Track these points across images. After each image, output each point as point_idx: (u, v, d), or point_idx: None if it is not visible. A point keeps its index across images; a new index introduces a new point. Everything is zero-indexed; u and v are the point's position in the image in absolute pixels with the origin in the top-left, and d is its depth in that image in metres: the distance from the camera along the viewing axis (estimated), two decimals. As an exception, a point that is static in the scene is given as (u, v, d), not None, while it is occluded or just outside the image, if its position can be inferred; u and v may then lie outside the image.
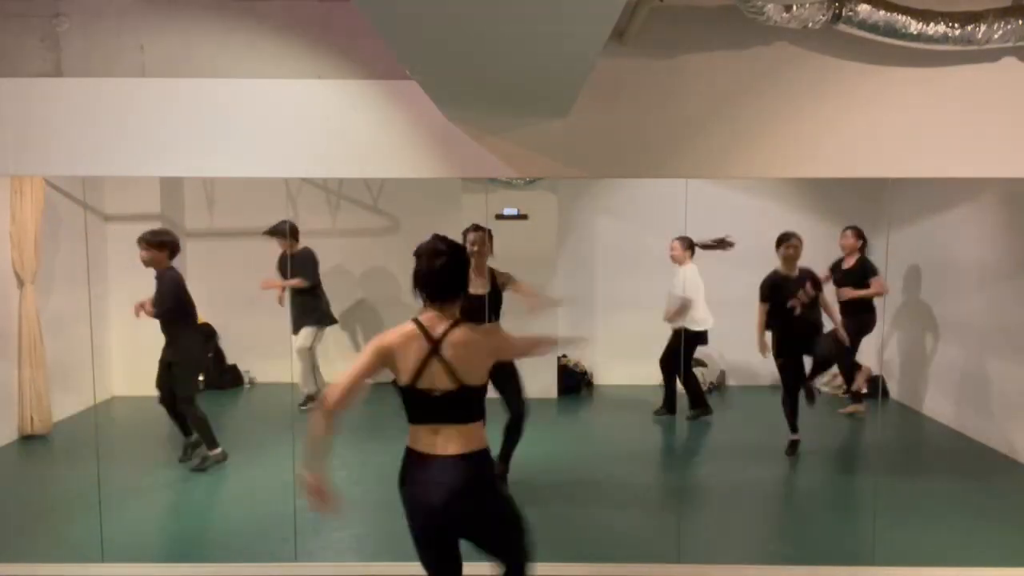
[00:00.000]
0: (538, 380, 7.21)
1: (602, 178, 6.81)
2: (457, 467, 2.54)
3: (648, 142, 3.67)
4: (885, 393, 7.00)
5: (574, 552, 4.08)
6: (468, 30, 2.43)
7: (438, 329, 2.54)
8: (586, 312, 7.36)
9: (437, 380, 2.52)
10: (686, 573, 3.88)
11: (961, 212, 6.24)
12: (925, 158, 3.65)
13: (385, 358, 2.54)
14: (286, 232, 6.13)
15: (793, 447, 5.59)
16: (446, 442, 2.55)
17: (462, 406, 2.56)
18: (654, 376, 6.89)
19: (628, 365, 6.78)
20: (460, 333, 2.54)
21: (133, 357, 6.57)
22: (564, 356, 7.52)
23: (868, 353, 7.09)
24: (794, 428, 5.61)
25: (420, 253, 2.59)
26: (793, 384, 5.62)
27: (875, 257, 6.02)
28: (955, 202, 6.29)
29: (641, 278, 6.52)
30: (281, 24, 3.66)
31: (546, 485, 5.09)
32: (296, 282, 6.06)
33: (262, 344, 7.07)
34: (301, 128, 3.70)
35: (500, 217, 7.20)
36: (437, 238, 2.64)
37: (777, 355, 5.63)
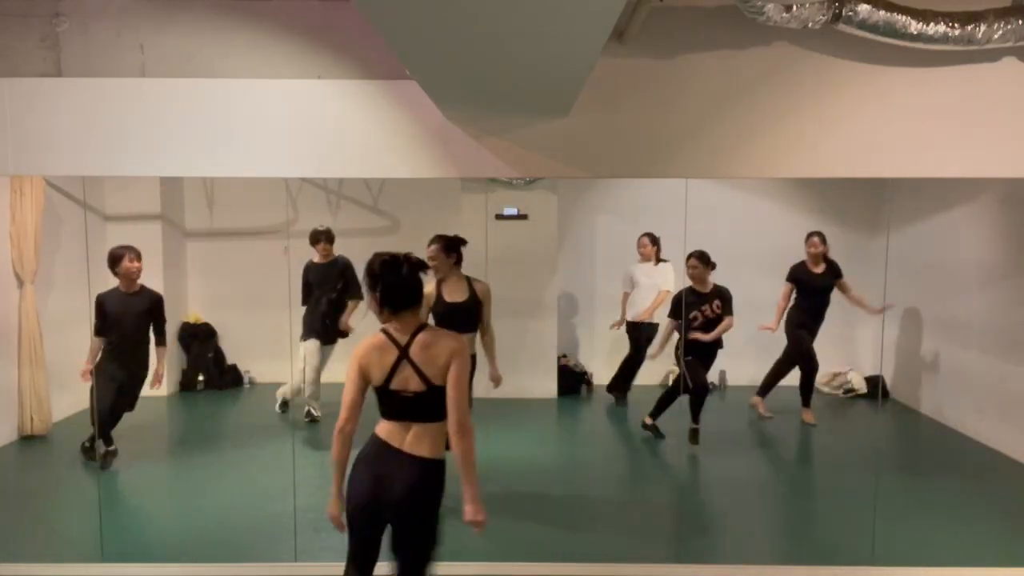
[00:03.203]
0: (538, 380, 7.24)
1: (602, 178, 6.81)
2: (420, 468, 2.70)
3: (648, 142, 3.67)
4: (885, 393, 7.01)
5: (574, 552, 4.08)
6: (468, 30, 2.43)
7: (404, 335, 2.71)
8: (586, 312, 7.37)
9: (409, 382, 2.69)
10: (686, 573, 3.88)
11: (961, 212, 6.24)
12: (925, 158, 3.65)
13: (362, 369, 2.73)
14: (333, 237, 6.15)
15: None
16: (414, 440, 2.72)
17: (431, 406, 2.71)
18: (654, 376, 6.91)
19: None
20: (424, 336, 2.71)
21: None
22: (564, 356, 7.53)
23: (868, 353, 7.12)
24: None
25: (372, 272, 2.70)
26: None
27: (875, 257, 6.02)
28: (955, 202, 6.30)
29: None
30: (281, 24, 3.66)
31: (546, 485, 5.09)
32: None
33: (262, 344, 7.08)
34: (301, 128, 3.70)
35: (500, 217, 7.21)
36: (381, 256, 2.73)
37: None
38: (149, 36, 3.67)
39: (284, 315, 5.83)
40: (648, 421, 5.93)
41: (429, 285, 4.44)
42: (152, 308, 5.10)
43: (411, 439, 2.71)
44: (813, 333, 6.14)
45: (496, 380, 4.74)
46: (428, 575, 2.83)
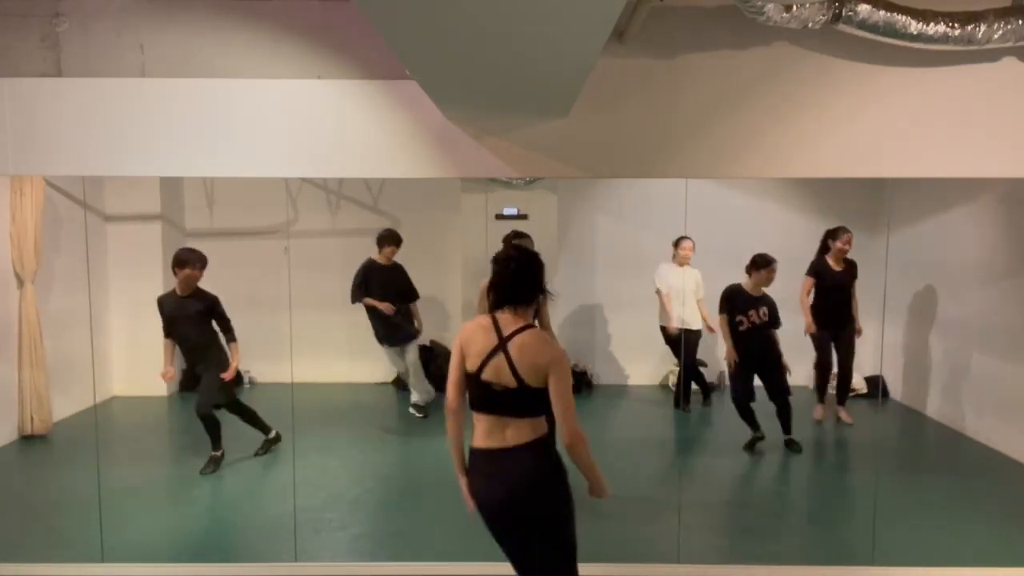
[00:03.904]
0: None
1: (602, 178, 6.81)
2: (528, 452, 2.62)
3: (648, 142, 3.67)
4: (885, 393, 7.01)
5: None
6: (468, 30, 2.43)
7: (509, 328, 2.65)
8: (586, 312, 7.36)
9: (501, 375, 2.61)
10: (686, 573, 3.88)
11: (961, 212, 6.24)
12: (925, 158, 3.65)
13: (462, 347, 2.70)
14: (400, 241, 6.19)
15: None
16: (512, 435, 2.63)
17: (523, 402, 2.62)
18: (654, 376, 6.89)
19: (628, 365, 6.78)
20: (526, 337, 2.62)
21: (133, 357, 6.58)
22: (564, 356, 7.52)
23: (868, 353, 7.11)
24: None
25: (496, 259, 2.77)
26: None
27: (875, 257, 6.02)
28: (955, 202, 6.29)
29: (641, 278, 6.52)
30: (281, 24, 3.66)
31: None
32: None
33: (262, 344, 7.08)
34: (301, 128, 3.70)
35: (500, 217, 7.20)
36: (512, 246, 2.82)
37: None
38: (149, 36, 3.67)
39: (284, 315, 5.83)
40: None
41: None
42: (211, 308, 5.28)
43: (509, 434, 2.63)
44: (835, 335, 6.11)
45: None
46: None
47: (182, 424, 6.71)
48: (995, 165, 3.66)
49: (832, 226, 6.17)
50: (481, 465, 2.69)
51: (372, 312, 6.15)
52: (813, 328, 6.06)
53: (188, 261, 5.06)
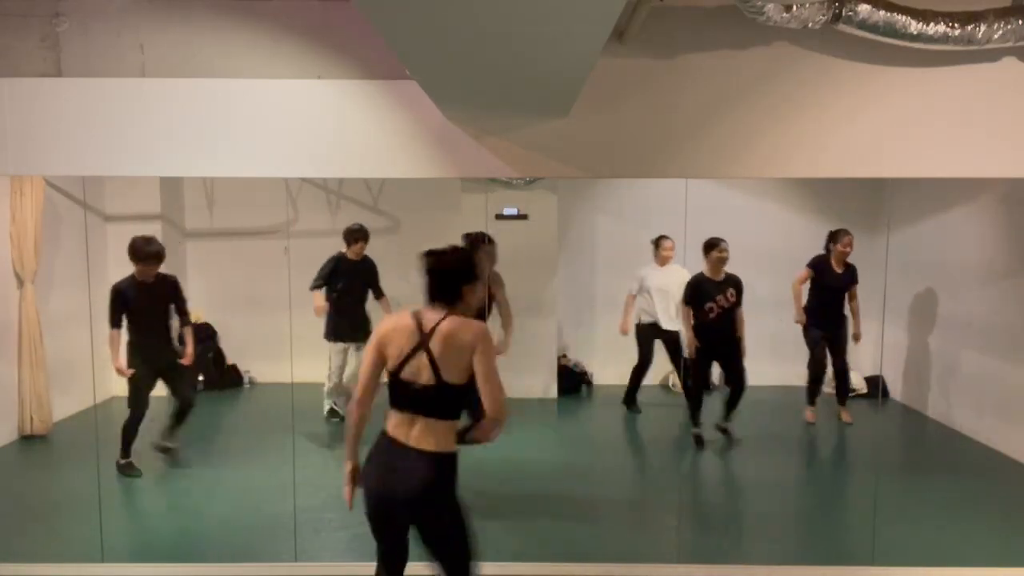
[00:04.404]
0: (538, 380, 7.24)
1: (602, 178, 6.81)
2: (427, 463, 2.61)
3: (648, 142, 3.67)
4: (885, 393, 7.01)
5: (574, 551, 4.08)
6: (468, 30, 2.43)
7: (430, 323, 2.64)
8: (586, 312, 7.37)
9: (421, 373, 2.61)
10: (686, 573, 3.88)
11: (961, 212, 6.24)
12: (925, 158, 3.64)
13: (380, 346, 2.68)
14: (368, 236, 6.12)
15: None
16: (420, 435, 2.63)
17: (440, 402, 2.63)
18: (654, 376, 6.89)
19: (628, 365, 6.77)
20: (448, 323, 2.62)
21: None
22: (564, 356, 7.53)
23: (868, 353, 7.11)
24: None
25: (427, 254, 2.73)
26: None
27: (875, 257, 6.02)
28: (955, 202, 6.30)
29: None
30: (281, 24, 3.66)
31: (546, 485, 5.09)
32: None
33: (262, 344, 7.08)
34: (301, 128, 3.70)
35: (500, 217, 7.21)
36: (451, 246, 2.82)
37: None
38: (149, 36, 3.67)
39: (284, 315, 5.82)
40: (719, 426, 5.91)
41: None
42: (175, 291, 5.14)
43: (416, 434, 2.63)
44: (829, 336, 6.11)
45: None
46: (473, 574, 2.76)
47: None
48: (995, 165, 3.66)
49: (833, 226, 6.17)
50: (384, 452, 2.68)
51: (334, 306, 6.07)
52: (803, 318, 6.08)
53: (151, 251, 4.91)
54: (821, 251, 6.17)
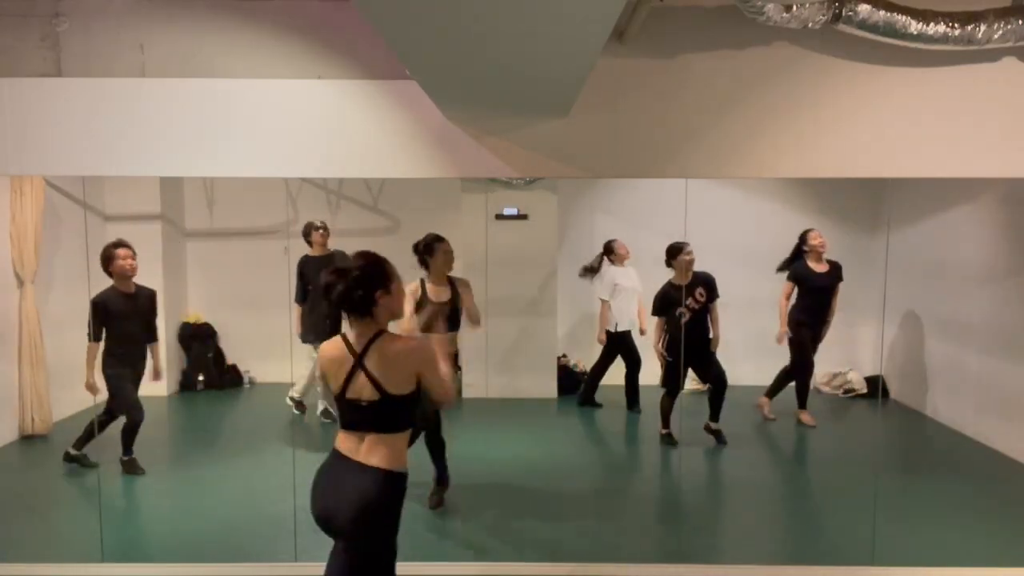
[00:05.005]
0: (538, 380, 7.25)
1: (602, 178, 6.81)
2: (372, 478, 2.52)
3: (648, 142, 3.67)
4: (885, 393, 7.01)
5: (574, 551, 4.08)
6: (468, 30, 2.43)
7: (361, 342, 2.56)
8: (586, 311, 7.36)
9: (363, 391, 2.54)
10: (686, 573, 3.88)
11: (961, 212, 6.24)
12: (925, 158, 3.65)
13: (324, 377, 2.72)
14: (321, 226, 6.06)
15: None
16: (368, 451, 2.55)
17: (386, 416, 2.56)
18: (654, 375, 6.89)
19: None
20: (381, 344, 2.55)
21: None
22: (564, 356, 7.53)
23: (868, 353, 7.12)
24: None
25: (323, 276, 2.58)
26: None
27: (875, 257, 6.03)
28: (955, 202, 6.30)
29: (640, 278, 6.53)
30: (281, 24, 3.66)
31: (546, 485, 5.09)
32: None
33: (262, 344, 7.09)
34: (301, 128, 3.70)
35: (500, 217, 7.21)
36: (341, 258, 2.69)
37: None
38: (149, 36, 3.67)
39: (284, 315, 5.83)
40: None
41: (413, 283, 4.44)
42: (151, 306, 5.10)
43: (365, 449, 2.55)
44: (815, 335, 6.13)
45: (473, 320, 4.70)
46: None
47: (182, 424, 6.72)
48: (995, 165, 3.66)
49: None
50: (331, 467, 2.62)
51: (308, 308, 6.03)
52: (787, 335, 6.06)
53: (112, 256, 4.87)
54: (789, 257, 6.15)
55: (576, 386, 7.24)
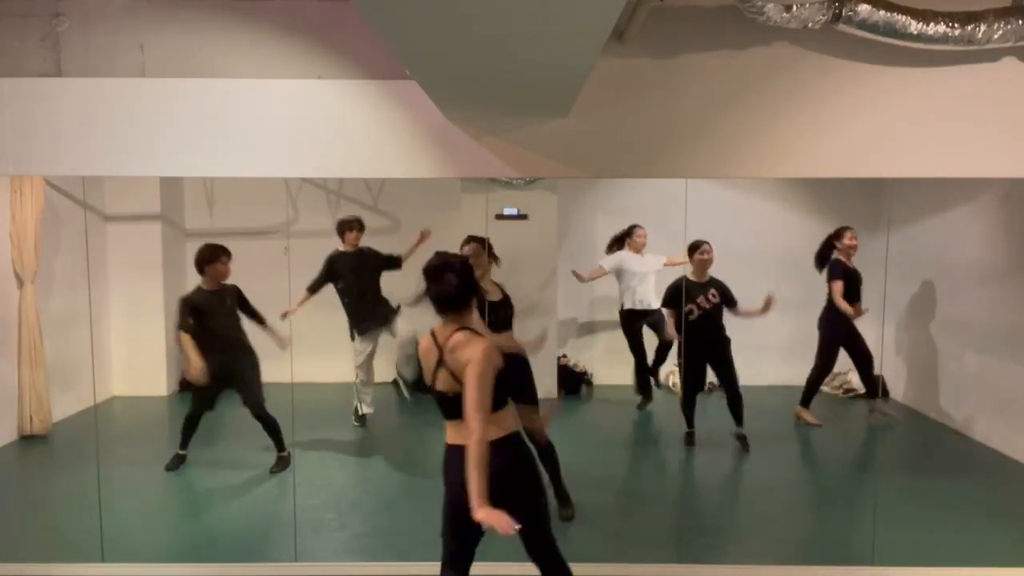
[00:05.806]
0: (538, 380, 7.22)
1: (602, 178, 6.81)
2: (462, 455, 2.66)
3: (648, 142, 3.67)
4: (885, 393, 7.00)
5: (575, 552, 4.07)
6: (468, 30, 2.43)
7: (443, 337, 2.77)
8: (586, 312, 7.36)
9: (446, 383, 2.75)
10: (686, 573, 3.88)
11: (961, 212, 6.24)
12: (925, 158, 3.65)
13: (420, 358, 2.89)
14: (361, 224, 6.12)
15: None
16: (457, 433, 2.77)
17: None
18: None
19: (628, 365, 6.77)
20: (454, 339, 2.73)
21: (133, 357, 6.58)
22: (564, 356, 7.53)
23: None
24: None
25: (424, 271, 2.81)
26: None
27: (875, 257, 6.01)
28: (955, 202, 6.29)
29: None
30: (281, 24, 3.66)
31: (545, 484, 5.08)
32: None
33: (262, 344, 7.07)
34: (301, 128, 3.70)
35: (500, 217, 7.20)
36: (438, 255, 2.84)
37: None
38: (149, 36, 3.67)
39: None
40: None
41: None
42: (239, 298, 5.27)
43: (455, 433, 2.79)
44: (851, 337, 6.04)
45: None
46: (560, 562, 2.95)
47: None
48: (995, 165, 3.66)
49: (833, 226, 6.15)
50: (444, 461, 2.89)
51: (344, 305, 6.05)
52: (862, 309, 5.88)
53: (216, 256, 5.08)
54: (817, 255, 6.07)
55: (576, 386, 7.23)
